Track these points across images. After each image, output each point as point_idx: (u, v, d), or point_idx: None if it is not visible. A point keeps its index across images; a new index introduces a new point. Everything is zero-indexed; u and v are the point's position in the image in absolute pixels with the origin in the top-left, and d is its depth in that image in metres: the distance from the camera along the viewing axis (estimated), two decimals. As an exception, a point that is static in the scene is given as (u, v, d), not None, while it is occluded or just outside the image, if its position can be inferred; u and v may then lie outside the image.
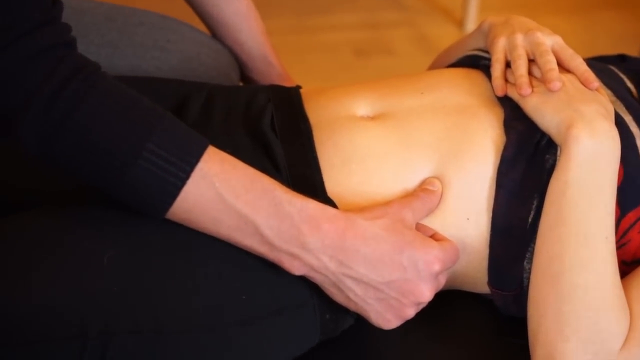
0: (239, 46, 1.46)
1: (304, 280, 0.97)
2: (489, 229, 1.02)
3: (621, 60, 1.26)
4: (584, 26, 2.98)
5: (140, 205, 0.91)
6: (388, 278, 0.95)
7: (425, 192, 1.01)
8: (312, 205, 0.94)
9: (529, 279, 1.00)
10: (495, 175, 1.02)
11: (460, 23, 2.98)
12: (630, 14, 3.10)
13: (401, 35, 2.92)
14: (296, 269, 0.94)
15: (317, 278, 0.96)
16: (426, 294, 0.97)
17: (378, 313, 0.98)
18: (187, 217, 0.91)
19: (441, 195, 1.02)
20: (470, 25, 2.92)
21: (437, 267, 0.96)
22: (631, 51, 2.44)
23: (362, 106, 1.12)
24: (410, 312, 0.98)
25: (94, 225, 0.95)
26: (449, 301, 1.10)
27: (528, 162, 1.02)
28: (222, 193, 0.90)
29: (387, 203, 1.00)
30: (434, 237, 1.01)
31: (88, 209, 0.96)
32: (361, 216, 0.96)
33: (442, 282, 1.00)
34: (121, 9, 1.34)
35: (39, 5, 0.87)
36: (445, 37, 2.88)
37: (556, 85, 1.02)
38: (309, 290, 0.99)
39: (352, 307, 0.98)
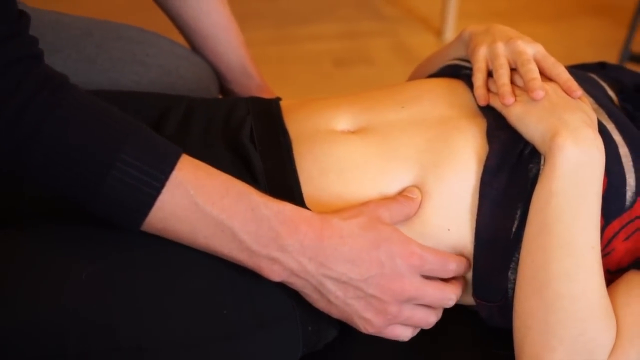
0: (218, 58, 1.45)
1: (285, 292, 0.97)
2: (472, 240, 1.02)
3: (601, 67, 1.26)
4: (563, 33, 2.99)
5: (115, 216, 0.90)
6: (366, 275, 0.94)
7: (403, 198, 1.01)
8: (288, 208, 0.93)
9: (513, 289, 1.00)
10: (477, 186, 1.02)
11: (438, 32, 2.98)
12: (610, 20, 3.11)
13: (380, 44, 2.92)
14: (276, 274, 0.93)
15: (297, 283, 0.95)
16: (406, 289, 0.96)
17: (358, 314, 0.97)
18: (163, 226, 0.90)
19: (420, 204, 1.02)
20: (449, 34, 2.93)
21: (415, 261, 0.96)
22: (611, 58, 2.46)
23: (342, 120, 1.11)
24: (392, 310, 0.97)
25: (71, 241, 0.94)
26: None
27: (511, 171, 1.01)
28: (198, 201, 0.89)
29: (363, 203, 1.00)
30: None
31: (65, 225, 0.95)
32: (337, 216, 0.96)
33: (441, 289, 1.00)
34: (99, 23, 1.33)
35: (5, 18, 0.85)
36: (424, 46, 2.89)
37: (539, 94, 1.02)
38: (290, 301, 0.98)
39: (334, 312, 0.97)
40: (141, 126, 0.90)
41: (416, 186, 1.03)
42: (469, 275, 1.03)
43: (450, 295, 1.01)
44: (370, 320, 0.97)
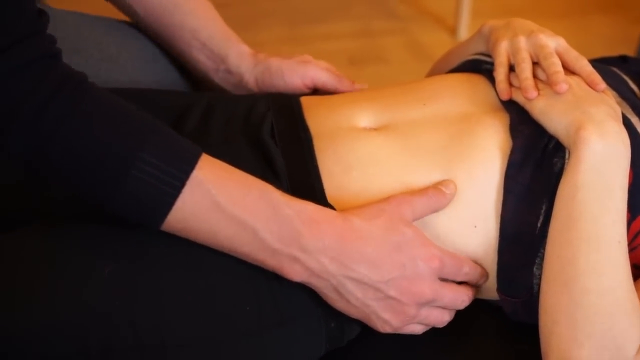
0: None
1: (307, 288, 0.96)
2: (497, 236, 1.01)
3: (623, 61, 1.25)
4: (575, 30, 2.98)
5: (135, 216, 0.89)
6: (387, 277, 0.94)
7: (434, 191, 1.00)
8: (310, 207, 0.93)
9: (539, 285, 0.99)
10: (502, 181, 1.01)
11: (452, 30, 2.97)
12: (622, 16, 3.10)
13: (394, 43, 2.92)
14: (297, 274, 0.93)
15: (317, 283, 0.94)
16: (426, 292, 0.96)
17: (377, 314, 0.97)
18: (183, 227, 0.90)
19: (452, 199, 1.01)
20: (463, 31, 2.92)
21: (436, 264, 0.96)
22: (625, 53, 2.44)
23: (364, 118, 1.11)
24: (411, 312, 0.97)
25: (92, 239, 0.94)
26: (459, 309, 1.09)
27: (536, 166, 1.00)
28: (219, 200, 0.89)
29: (385, 200, 0.99)
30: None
31: (84, 224, 0.95)
32: (359, 217, 0.95)
33: (456, 290, 1.00)
34: (118, 23, 1.32)
35: (24, 17, 0.85)
36: (438, 44, 2.88)
37: (563, 87, 1.01)
38: (313, 297, 0.97)
39: (352, 312, 0.97)
40: (161, 125, 0.90)
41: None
42: (493, 270, 1.03)
43: (464, 298, 1.01)
44: (388, 320, 0.97)
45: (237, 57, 1.29)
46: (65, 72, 0.87)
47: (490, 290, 1.05)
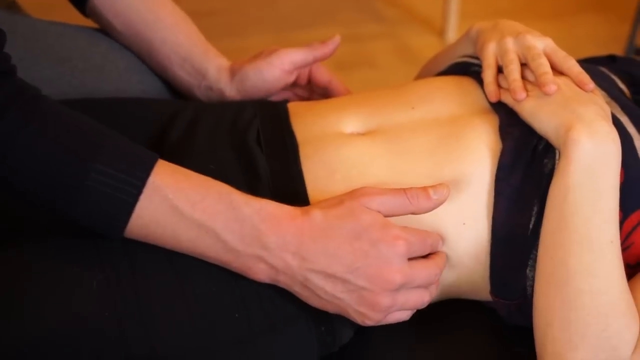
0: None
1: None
2: (489, 237, 1.01)
3: (611, 61, 1.25)
4: (565, 31, 2.98)
5: (96, 226, 0.89)
6: (352, 266, 0.92)
7: (416, 192, 0.96)
8: (270, 205, 0.93)
9: (532, 287, 0.99)
10: (492, 182, 1.01)
11: (440, 32, 2.97)
12: (611, 16, 3.11)
13: (382, 47, 2.91)
14: (263, 274, 0.92)
15: (285, 281, 0.94)
16: (396, 277, 0.93)
17: (353, 308, 0.94)
18: (145, 233, 0.90)
19: (439, 205, 0.98)
20: (451, 34, 2.92)
21: (401, 247, 0.93)
22: (614, 53, 2.44)
23: (350, 123, 1.10)
24: (385, 301, 0.93)
25: (79, 250, 0.93)
26: (453, 312, 1.09)
27: (526, 167, 1.00)
28: (177, 204, 0.89)
29: (348, 192, 0.96)
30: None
31: (71, 235, 0.94)
32: (318, 207, 0.94)
33: (430, 276, 0.97)
34: (101, 33, 1.32)
35: None
36: (426, 47, 2.89)
37: (551, 88, 1.01)
38: (300, 302, 0.97)
39: (328, 307, 0.95)
40: (116, 134, 0.90)
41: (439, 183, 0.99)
42: (486, 273, 1.02)
43: (436, 271, 0.97)
44: (365, 314, 0.95)
45: (216, 72, 1.29)
46: (17, 88, 0.87)
47: (485, 292, 1.05)
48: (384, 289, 0.93)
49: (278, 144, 1.08)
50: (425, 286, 0.97)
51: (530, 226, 0.99)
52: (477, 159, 1.02)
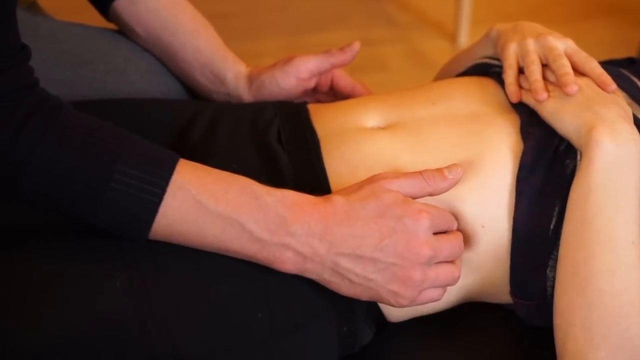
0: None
1: (319, 293, 0.96)
2: (509, 238, 1.01)
3: (630, 63, 1.25)
4: (574, 35, 2.94)
5: (121, 229, 0.90)
6: (380, 244, 0.92)
7: (432, 173, 0.98)
8: (291, 193, 0.93)
9: (552, 287, 0.99)
10: (512, 182, 1.01)
11: (452, 37, 2.97)
12: (620, 21, 3.11)
13: (394, 51, 2.91)
14: (290, 263, 0.92)
15: (313, 269, 0.93)
16: (424, 249, 0.93)
17: (385, 288, 0.94)
18: (170, 232, 0.90)
19: (455, 184, 0.99)
20: (463, 38, 2.91)
21: (425, 220, 0.93)
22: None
23: (371, 117, 1.11)
24: (417, 275, 0.93)
25: (103, 250, 0.94)
26: (471, 313, 1.09)
27: (548, 168, 1.00)
28: (201, 200, 0.89)
29: (367, 178, 0.97)
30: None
31: (94, 234, 0.94)
32: (340, 193, 0.95)
33: (452, 249, 0.97)
34: (122, 35, 1.32)
35: (4, 52, 0.87)
36: (438, 51, 2.88)
37: (573, 88, 1.01)
38: (324, 302, 0.97)
39: (359, 292, 0.95)
40: (136, 137, 0.91)
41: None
42: (505, 273, 1.02)
43: (459, 243, 0.98)
44: (398, 292, 0.94)
45: (234, 79, 1.29)
46: (38, 99, 0.88)
47: (503, 294, 1.04)
48: (414, 262, 0.93)
49: (299, 141, 1.08)
50: (452, 260, 0.97)
51: (551, 227, 0.99)
52: (498, 159, 1.02)
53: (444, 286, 0.97)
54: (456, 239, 0.97)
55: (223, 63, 1.30)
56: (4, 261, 0.93)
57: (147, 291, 0.91)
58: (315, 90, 1.32)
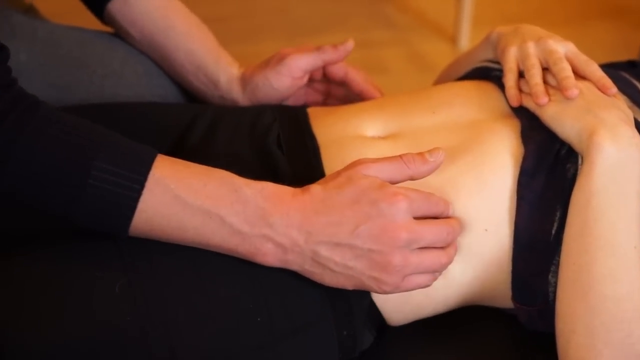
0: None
1: (319, 296, 0.96)
2: (510, 242, 1.00)
3: (631, 66, 1.24)
4: (575, 37, 2.94)
5: (101, 225, 0.90)
6: (356, 230, 0.91)
7: (411, 156, 0.96)
8: (270, 185, 0.93)
9: (554, 292, 0.98)
10: (514, 187, 1.00)
11: (453, 39, 2.97)
12: (622, 23, 3.10)
13: (394, 53, 2.91)
14: (271, 254, 0.92)
15: (295, 260, 0.93)
16: (401, 233, 0.91)
17: (366, 275, 0.93)
18: (150, 227, 0.90)
19: (459, 202, 0.98)
20: (463, 40, 2.91)
21: (401, 203, 0.92)
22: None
23: (371, 126, 1.10)
24: (396, 260, 0.92)
25: (101, 253, 0.93)
26: (472, 317, 1.09)
27: (549, 172, 1.00)
28: (180, 194, 0.90)
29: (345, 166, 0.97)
30: None
31: (93, 238, 0.94)
32: (317, 184, 0.94)
33: (445, 237, 0.96)
34: (120, 38, 1.32)
35: None
36: (438, 53, 2.88)
37: (574, 92, 1.00)
38: (324, 306, 0.97)
39: (342, 281, 0.94)
40: (113, 134, 0.91)
41: (452, 187, 1.00)
42: (507, 279, 1.01)
43: (448, 230, 0.96)
44: (380, 278, 0.93)
45: (227, 83, 1.29)
46: (15, 97, 0.88)
47: (505, 299, 1.04)
48: (392, 246, 0.92)
49: (299, 146, 1.08)
50: (439, 246, 0.96)
51: (553, 232, 0.98)
52: (498, 164, 1.02)
53: (430, 272, 0.96)
54: (443, 224, 0.96)
55: (216, 66, 1.29)
56: (2, 265, 0.93)
57: (146, 294, 0.91)
58: (309, 80, 1.32)
